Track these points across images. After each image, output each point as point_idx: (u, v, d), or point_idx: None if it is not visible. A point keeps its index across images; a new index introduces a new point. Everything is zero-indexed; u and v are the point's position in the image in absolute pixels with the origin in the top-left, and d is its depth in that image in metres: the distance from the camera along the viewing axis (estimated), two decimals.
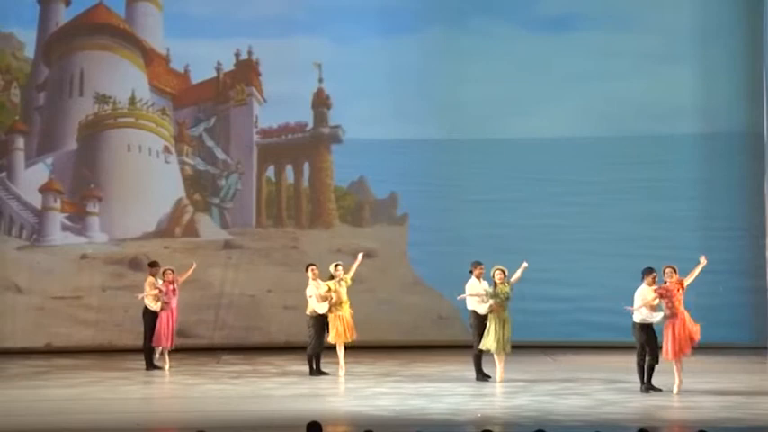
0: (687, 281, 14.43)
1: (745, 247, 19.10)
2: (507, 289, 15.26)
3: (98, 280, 19.57)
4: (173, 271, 16.93)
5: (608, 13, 19.45)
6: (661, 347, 14.33)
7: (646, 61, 19.38)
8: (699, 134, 19.46)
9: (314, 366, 16.19)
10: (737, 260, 19.10)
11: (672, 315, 14.26)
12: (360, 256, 16.56)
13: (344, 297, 16.15)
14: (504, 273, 15.26)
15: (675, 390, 14.35)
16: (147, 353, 16.92)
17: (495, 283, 15.27)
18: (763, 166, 18.48)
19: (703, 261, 14.39)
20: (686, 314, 14.35)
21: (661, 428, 12.71)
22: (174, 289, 16.87)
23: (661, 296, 14.31)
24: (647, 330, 14.43)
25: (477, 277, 15.53)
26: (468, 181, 19.60)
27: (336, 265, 16.34)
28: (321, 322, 16.20)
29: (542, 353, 18.09)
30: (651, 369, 14.48)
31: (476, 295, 15.33)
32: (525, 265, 15.22)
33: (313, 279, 16.26)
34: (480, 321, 15.41)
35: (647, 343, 14.41)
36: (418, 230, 19.69)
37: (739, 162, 19.28)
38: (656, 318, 14.39)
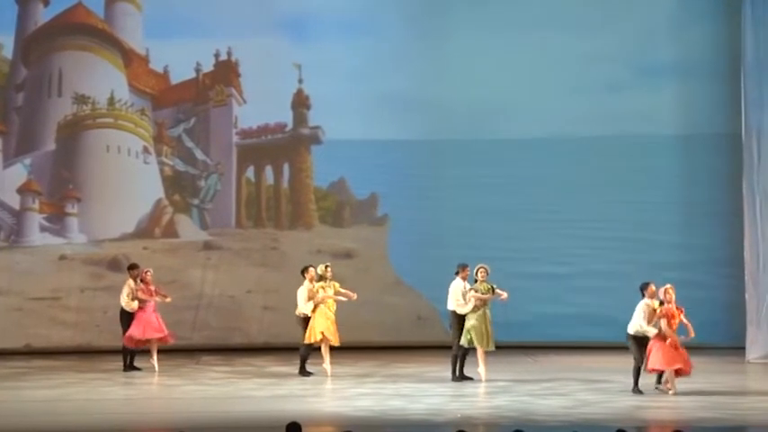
0: (684, 319, 14.52)
1: (723, 257, 19.13)
2: (488, 286, 15.37)
3: (77, 281, 19.52)
4: (149, 272, 16.90)
5: (590, 15, 19.46)
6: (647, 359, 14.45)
7: (627, 63, 19.46)
8: (679, 135, 19.55)
9: (303, 365, 16.19)
10: (715, 262, 19.19)
11: (665, 336, 14.37)
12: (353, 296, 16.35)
13: (331, 301, 16.14)
14: (486, 271, 15.39)
15: (671, 393, 14.41)
16: (125, 353, 16.87)
17: (476, 280, 15.37)
18: (740, 166, 18.53)
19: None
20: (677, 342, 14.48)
21: (640, 428, 12.74)
22: (153, 290, 16.85)
23: (664, 316, 14.40)
24: (642, 341, 14.54)
25: (463, 279, 15.64)
26: (449, 181, 19.62)
27: (327, 266, 16.31)
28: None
29: (523, 353, 18.11)
30: (638, 372, 14.58)
31: (470, 296, 15.46)
32: (504, 297, 15.39)
33: (309, 281, 16.20)
34: (460, 321, 15.49)
35: (640, 352, 14.55)
36: (399, 231, 19.70)
37: (718, 163, 19.36)
38: (651, 332, 14.46)
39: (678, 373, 14.39)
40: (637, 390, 14.50)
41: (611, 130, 19.48)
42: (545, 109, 19.49)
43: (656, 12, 19.58)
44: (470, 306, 15.35)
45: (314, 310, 16.02)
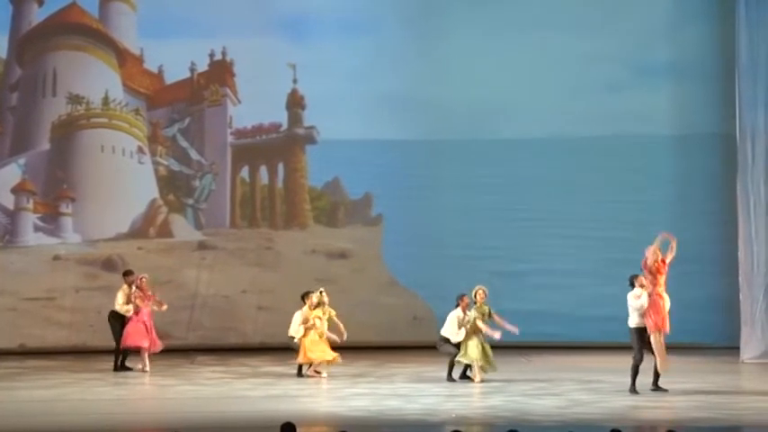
0: (669, 258, 14.63)
1: (717, 256, 19.15)
2: (487, 309, 15.46)
3: (71, 281, 19.52)
4: (144, 278, 16.86)
5: (587, 16, 19.50)
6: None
7: (624, 64, 19.53)
8: (674, 135, 19.62)
9: (301, 368, 16.19)
10: (709, 262, 19.20)
11: (653, 293, 14.43)
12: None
13: (324, 329, 16.12)
14: (485, 293, 15.45)
15: (660, 367, 14.47)
16: (116, 354, 16.83)
17: (476, 302, 15.46)
18: (735, 167, 18.51)
19: (669, 237, 14.67)
20: (665, 301, 14.53)
21: (634, 428, 12.70)
22: (149, 295, 16.83)
23: (649, 270, 14.49)
24: (643, 335, 14.57)
25: (463, 309, 15.61)
26: (445, 181, 19.65)
27: (321, 292, 16.21)
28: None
29: (517, 353, 18.07)
30: (636, 371, 14.57)
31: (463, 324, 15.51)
32: (513, 329, 15.42)
33: (309, 308, 16.14)
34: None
35: (641, 348, 14.56)
36: (393, 231, 19.72)
37: (713, 163, 19.42)
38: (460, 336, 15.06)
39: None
40: (633, 390, 14.49)
41: (607, 130, 19.53)
42: (542, 109, 19.51)
43: (651, 13, 19.68)
44: (462, 334, 15.42)
45: (304, 335, 16.00)
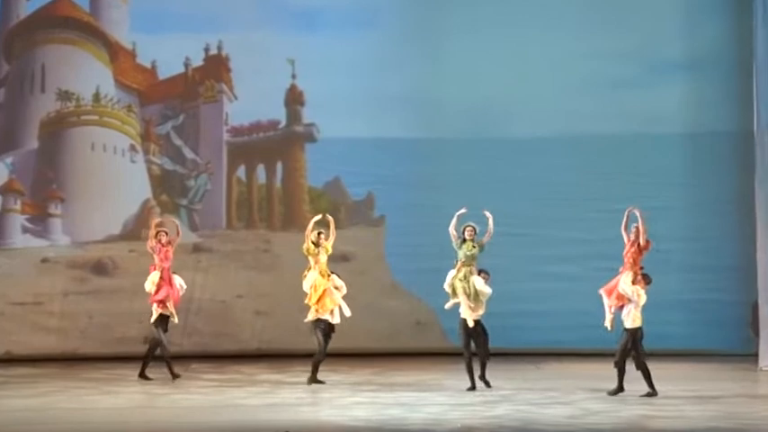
0: (642, 238, 14.81)
1: (734, 260, 19.17)
2: (474, 250, 15.38)
3: (60, 285, 19.52)
4: (166, 232, 16.58)
5: (597, 11, 19.54)
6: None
7: (636, 60, 19.52)
8: (688, 134, 19.65)
9: (316, 371, 16.08)
10: (725, 266, 19.24)
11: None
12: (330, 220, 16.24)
13: (325, 267, 16.06)
14: (474, 230, 15.49)
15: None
16: (150, 356, 16.65)
17: (464, 239, 15.46)
18: (752, 167, 18.49)
19: (637, 212, 14.92)
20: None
21: None
22: (166, 252, 16.46)
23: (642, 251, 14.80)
24: (637, 335, 14.78)
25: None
26: (450, 181, 19.56)
27: (319, 233, 16.10)
28: (326, 327, 16.01)
29: (525, 360, 18.14)
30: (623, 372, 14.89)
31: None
32: (488, 214, 15.43)
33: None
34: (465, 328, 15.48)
35: (636, 347, 14.76)
36: (396, 233, 19.70)
37: (729, 163, 19.46)
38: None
39: None
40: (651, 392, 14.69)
41: (617, 129, 19.55)
42: (550, 107, 19.54)
43: (664, 6, 19.68)
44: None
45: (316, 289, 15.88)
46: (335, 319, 16.03)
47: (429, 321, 19.12)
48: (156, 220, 16.55)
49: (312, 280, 15.96)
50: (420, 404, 14.45)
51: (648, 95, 19.52)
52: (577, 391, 15.39)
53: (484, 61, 19.53)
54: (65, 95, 19.81)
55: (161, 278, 16.38)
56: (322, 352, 15.97)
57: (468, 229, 15.50)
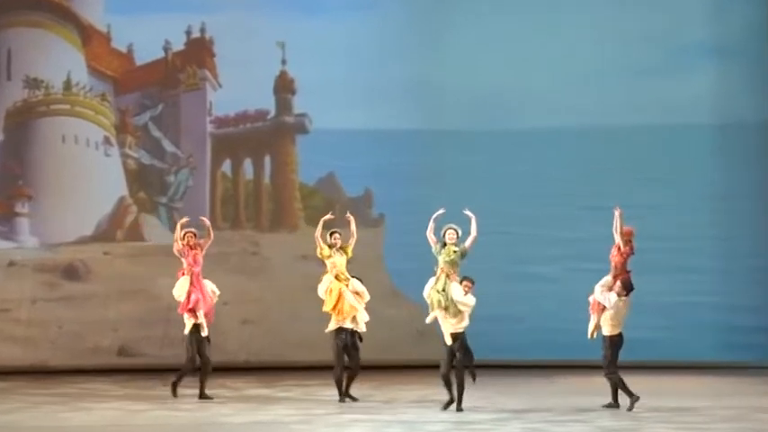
0: (620, 241, 14.83)
1: (765, 262, 19.36)
2: (455, 255, 14.98)
3: (28, 290, 19.55)
4: (195, 234, 16.25)
5: None
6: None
7: (658, 46, 19.67)
8: (715, 125, 19.71)
9: (342, 390, 15.82)
10: (756, 268, 19.34)
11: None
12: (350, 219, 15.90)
13: (344, 270, 15.82)
14: (456, 233, 15.07)
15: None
16: (182, 376, 16.37)
17: (445, 243, 15.07)
18: None
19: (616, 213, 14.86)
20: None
21: None
22: (195, 255, 16.13)
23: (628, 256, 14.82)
24: (619, 344, 14.85)
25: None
26: (454, 177, 19.56)
27: (333, 233, 15.84)
28: (348, 336, 15.77)
29: (536, 373, 18.06)
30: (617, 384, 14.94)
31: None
32: (470, 214, 15.07)
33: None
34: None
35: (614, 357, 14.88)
36: (396, 233, 19.76)
37: (758, 155, 19.57)
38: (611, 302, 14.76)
39: None
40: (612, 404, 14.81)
41: (639, 120, 19.58)
42: (564, 97, 19.53)
43: None
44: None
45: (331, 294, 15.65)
46: (360, 327, 15.74)
47: (432, 330, 18.38)
48: (183, 219, 16.34)
49: (327, 284, 15.74)
50: (422, 422, 14.26)
51: (672, 83, 19.60)
52: (595, 407, 15.22)
53: (491, 47, 19.61)
54: (33, 83, 19.82)
55: (191, 284, 16.13)
56: (339, 370, 15.67)
57: (449, 231, 15.07)
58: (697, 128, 19.66)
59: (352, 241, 15.84)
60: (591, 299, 14.90)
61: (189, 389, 17.08)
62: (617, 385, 14.90)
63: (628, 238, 14.80)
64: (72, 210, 19.75)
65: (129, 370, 18.56)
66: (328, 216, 15.83)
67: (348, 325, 15.70)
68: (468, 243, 14.99)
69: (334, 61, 19.45)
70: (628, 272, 14.83)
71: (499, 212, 19.27)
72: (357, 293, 15.80)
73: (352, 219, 15.85)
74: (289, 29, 19.64)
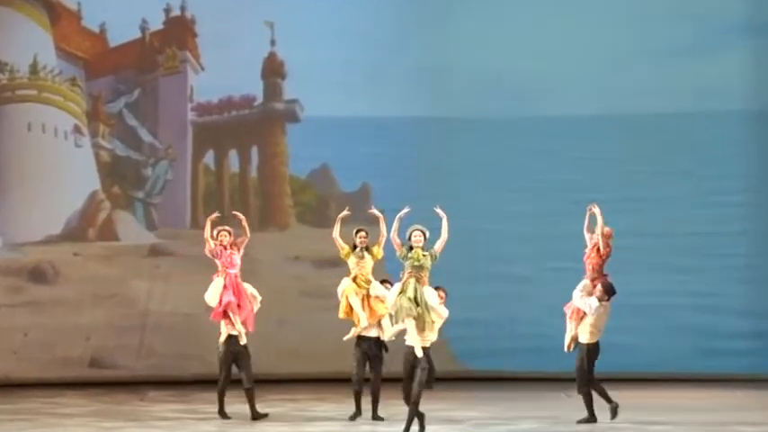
0: (601, 243, 14.89)
1: None
2: (424, 259, 14.50)
3: None
4: (229, 233, 15.88)
5: None
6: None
7: (689, 30, 19.64)
8: (751, 110, 19.73)
9: (360, 406, 15.56)
10: None
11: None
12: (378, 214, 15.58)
13: (366, 273, 15.67)
14: (423, 234, 14.58)
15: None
16: (221, 393, 15.99)
17: (411, 247, 14.58)
18: None
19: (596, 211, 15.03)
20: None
21: None
22: (230, 256, 15.83)
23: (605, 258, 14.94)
24: (596, 352, 14.96)
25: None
26: (462, 170, 19.58)
27: (359, 232, 15.55)
28: (369, 346, 15.54)
29: (555, 387, 18.00)
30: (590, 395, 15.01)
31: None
32: (440, 212, 14.74)
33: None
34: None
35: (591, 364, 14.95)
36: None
37: None
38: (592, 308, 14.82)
39: None
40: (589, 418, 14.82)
41: (668, 106, 19.61)
42: (584, 80, 19.56)
43: None
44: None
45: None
46: (385, 335, 15.38)
47: (436, 341, 18.81)
48: (213, 215, 16.02)
49: (342, 287, 15.55)
50: None
51: (705, 65, 19.65)
52: (621, 424, 15.11)
53: (503, 27, 19.63)
54: None
55: (224, 287, 15.73)
56: (357, 381, 15.42)
57: (414, 233, 14.57)
58: (729, 114, 19.71)
59: (383, 240, 15.57)
60: (568, 308, 14.93)
61: (165, 402, 17.47)
62: (590, 397, 14.99)
63: (608, 239, 14.84)
64: (39, 206, 19.75)
65: (101, 383, 18.56)
66: (345, 213, 15.56)
67: (372, 333, 15.43)
68: (438, 246, 14.53)
69: (329, 42, 19.49)
70: (605, 275, 14.88)
71: (512, 209, 19.53)
72: (378, 298, 15.55)
73: (380, 216, 15.49)
74: (278, 6, 19.68)
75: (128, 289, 19.52)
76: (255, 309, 15.86)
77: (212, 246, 15.81)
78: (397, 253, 14.56)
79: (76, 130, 19.93)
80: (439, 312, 14.39)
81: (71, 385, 18.12)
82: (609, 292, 14.74)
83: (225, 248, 15.81)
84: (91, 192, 19.93)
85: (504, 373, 19.10)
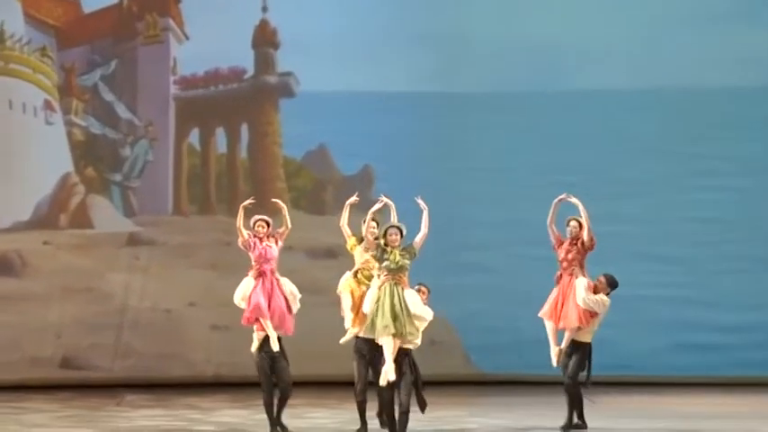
0: (586, 235, 14.98)
1: None
2: (402, 260, 14.16)
3: None
4: (268, 223, 15.27)
5: None
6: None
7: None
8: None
9: (364, 416, 15.13)
10: None
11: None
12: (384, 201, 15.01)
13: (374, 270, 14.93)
14: (400, 232, 14.19)
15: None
16: (267, 405, 15.45)
17: (386, 247, 14.17)
18: None
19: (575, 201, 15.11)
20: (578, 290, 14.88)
21: None
22: (265, 248, 15.28)
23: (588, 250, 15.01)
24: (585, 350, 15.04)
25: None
26: (475, 150, 19.67)
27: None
28: (364, 349, 15.06)
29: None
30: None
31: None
32: (421, 202, 14.37)
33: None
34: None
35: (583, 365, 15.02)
36: (402, 219, 19.20)
37: None
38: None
39: None
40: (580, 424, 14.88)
41: (701, 80, 19.75)
42: (615, 50, 19.74)
43: None
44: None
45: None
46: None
47: (447, 340, 19.16)
48: (246, 202, 15.33)
49: (342, 282, 15.08)
50: None
51: (738, 35, 19.78)
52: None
53: None
54: None
55: (255, 287, 15.27)
56: (361, 391, 14.88)
57: (390, 231, 14.14)
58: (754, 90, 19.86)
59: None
60: (546, 315, 14.90)
61: (144, 407, 17.37)
62: (580, 399, 14.97)
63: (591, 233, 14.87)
64: (5, 189, 19.64)
65: (74, 385, 18.42)
66: (353, 199, 15.05)
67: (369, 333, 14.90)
68: (417, 240, 14.15)
69: (327, 7, 19.61)
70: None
71: (530, 191, 19.11)
72: None
73: (391, 204, 14.83)
74: None
75: (103, 282, 19.42)
76: (295, 309, 15.36)
77: (245, 236, 15.23)
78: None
79: (47, 105, 19.89)
80: (422, 317, 14.08)
81: (40, 388, 18.01)
82: (613, 285, 14.80)
83: (261, 240, 15.28)
84: (63, 174, 19.86)
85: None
